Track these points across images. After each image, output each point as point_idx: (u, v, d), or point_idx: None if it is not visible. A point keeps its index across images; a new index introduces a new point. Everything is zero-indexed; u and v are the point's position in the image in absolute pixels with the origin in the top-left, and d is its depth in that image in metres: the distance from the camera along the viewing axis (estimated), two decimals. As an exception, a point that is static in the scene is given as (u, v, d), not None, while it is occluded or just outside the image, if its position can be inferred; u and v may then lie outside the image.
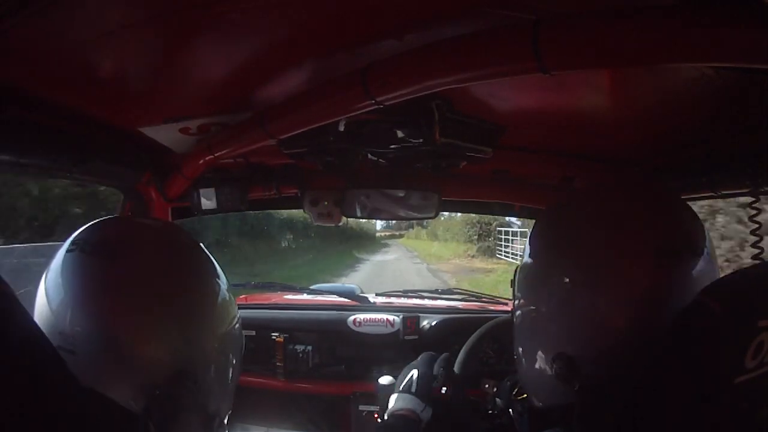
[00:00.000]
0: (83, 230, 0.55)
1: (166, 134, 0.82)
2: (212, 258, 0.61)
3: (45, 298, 0.51)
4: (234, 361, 0.62)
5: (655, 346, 0.45)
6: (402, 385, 0.87)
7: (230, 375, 0.62)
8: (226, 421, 0.64)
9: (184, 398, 0.51)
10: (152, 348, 0.51)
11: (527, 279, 0.59)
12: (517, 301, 0.61)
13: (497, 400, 0.91)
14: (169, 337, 0.52)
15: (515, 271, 0.63)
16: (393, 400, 0.85)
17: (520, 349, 0.61)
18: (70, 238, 0.54)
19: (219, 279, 0.60)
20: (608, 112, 0.73)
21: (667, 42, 0.37)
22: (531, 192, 1.14)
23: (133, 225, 0.62)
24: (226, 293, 0.61)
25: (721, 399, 0.40)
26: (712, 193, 0.75)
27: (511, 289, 0.65)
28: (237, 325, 0.63)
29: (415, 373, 0.88)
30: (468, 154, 0.84)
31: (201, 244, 0.61)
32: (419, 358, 0.93)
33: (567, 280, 0.52)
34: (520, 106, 0.74)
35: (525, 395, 0.87)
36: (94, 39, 0.51)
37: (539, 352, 0.55)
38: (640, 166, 0.89)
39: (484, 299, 1.58)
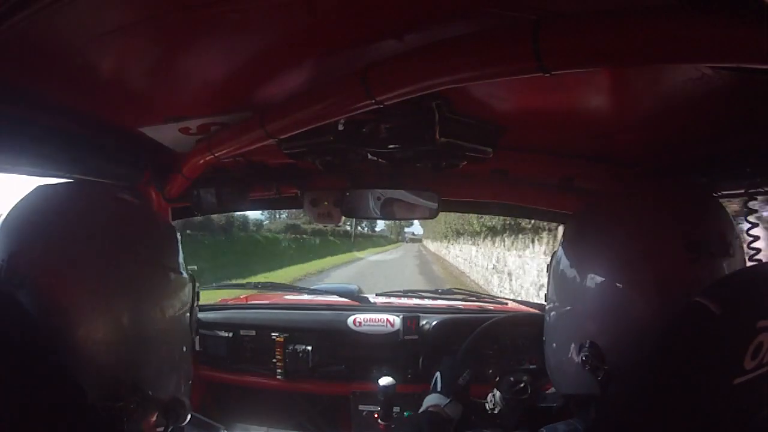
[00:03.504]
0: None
1: (166, 134, 0.82)
2: (173, 233, 0.59)
3: None
4: (184, 348, 0.62)
5: (654, 346, 0.45)
6: (430, 389, 0.94)
7: (180, 358, 0.61)
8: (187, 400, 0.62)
9: (132, 403, 0.50)
10: (95, 322, 0.48)
11: (563, 276, 0.60)
12: (551, 299, 0.63)
13: (497, 399, 0.92)
14: (113, 312, 0.49)
15: (550, 259, 0.64)
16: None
17: (552, 341, 0.62)
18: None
19: (169, 253, 0.58)
20: (608, 112, 0.73)
21: (668, 42, 0.37)
22: (531, 192, 1.14)
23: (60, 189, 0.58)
24: (177, 271, 0.58)
25: (721, 400, 0.40)
26: (712, 194, 0.75)
27: (547, 275, 0.67)
28: (187, 313, 0.62)
29: (438, 375, 0.95)
30: (468, 154, 0.84)
31: (155, 213, 0.58)
32: (442, 363, 0.99)
33: (601, 273, 0.53)
34: (520, 106, 0.74)
35: (525, 396, 0.88)
36: (94, 39, 0.51)
37: (570, 344, 0.57)
38: (640, 166, 0.89)
39: (484, 299, 1.58)
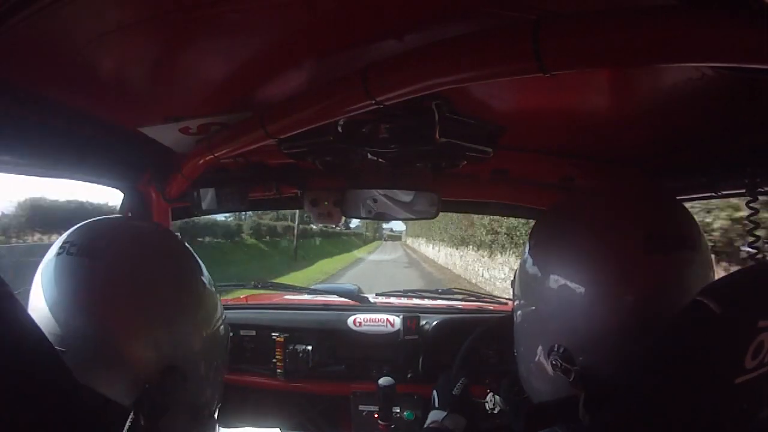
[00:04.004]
0: (71, 232, 0.57)
1: (166, 134, 0.82)
2: (198, 259, 0.64)
3: (35, 301, 0.53)
4: (220, 359, 0.65)
5: (653, 346, 0.45)
6: (431, 407, 0.94)
7: (216, 370, 0.64)
8: (216, 415, 0.66)
9: (173, 392, 0.53)
10: (140, 344, 0.53)
11: (526, 277, 0.60)
12: (516, 300, 0.63)
13: (496, 399, 0.92)
14: (156, 334, 0.54)
15: (515, 270, 0.64)
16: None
17: (520, 345, 0.62)
18: (58, 241, 0.56)
19: (204, 279, 0.63)
20: (608, 112, 0.73)
21: (667, 42, 0.37)
22: (531, 192, 1.14)
23: (119, 226, 0.64)
24: (211, 294, 0.63)
25: (721, 400, 0.40)
26: (712, 193, 0.75)
27: (512, 289, 0.66)
28: (222, 326, 0.66)
29: (434, 392, 0.95)
30: (468, 154, 0.84)
31: (187, 245, 0.64)
32: (438, 381, 0.99)
33: (563, 276, 0.53)
34: (520, 106, 0.74)
35: (525, 395, 0.88)
36: (94, 39, 0.51)
37: (537, 347, 0.56)
38: (640, 166, 0.89)
39: (483, 299, 1.58)
